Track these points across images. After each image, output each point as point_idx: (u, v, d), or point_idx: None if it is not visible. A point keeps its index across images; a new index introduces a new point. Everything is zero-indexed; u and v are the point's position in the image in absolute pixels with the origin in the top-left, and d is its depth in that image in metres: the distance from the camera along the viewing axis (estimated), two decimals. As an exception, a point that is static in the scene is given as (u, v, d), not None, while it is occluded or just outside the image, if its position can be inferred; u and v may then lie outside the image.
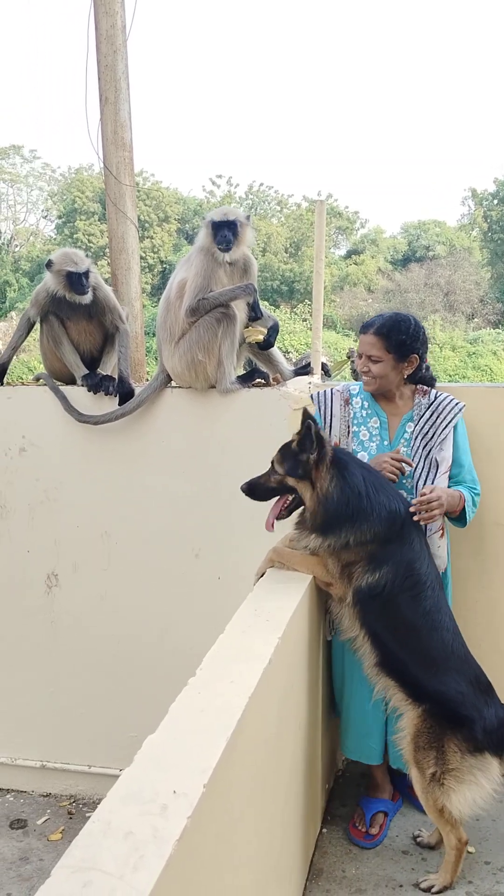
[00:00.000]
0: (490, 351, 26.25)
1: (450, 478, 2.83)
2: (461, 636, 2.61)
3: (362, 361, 2.86)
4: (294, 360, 4.26)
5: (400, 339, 2.79)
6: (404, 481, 2.82)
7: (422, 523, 2.62)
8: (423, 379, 2.97)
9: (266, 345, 3.58)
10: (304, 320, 27.26)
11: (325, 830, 3.06)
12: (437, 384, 3.05)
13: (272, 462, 2.62)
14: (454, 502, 2.72)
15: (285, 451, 2.58)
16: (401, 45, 74.52)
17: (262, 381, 3.57)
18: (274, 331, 3.60)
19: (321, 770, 3.04)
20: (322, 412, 3.01)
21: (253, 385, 3.52)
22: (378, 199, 67.55)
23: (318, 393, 3.06)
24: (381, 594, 2.49)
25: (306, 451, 2.49)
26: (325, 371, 3.87)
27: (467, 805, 2.47)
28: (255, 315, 3.53)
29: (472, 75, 74.10)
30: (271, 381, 3.58)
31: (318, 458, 2.49)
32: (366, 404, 2.94)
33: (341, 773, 3.49)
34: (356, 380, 5.12)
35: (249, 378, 3.54)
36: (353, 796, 3.27)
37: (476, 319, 31.59)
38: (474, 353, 25.96)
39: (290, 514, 2.67)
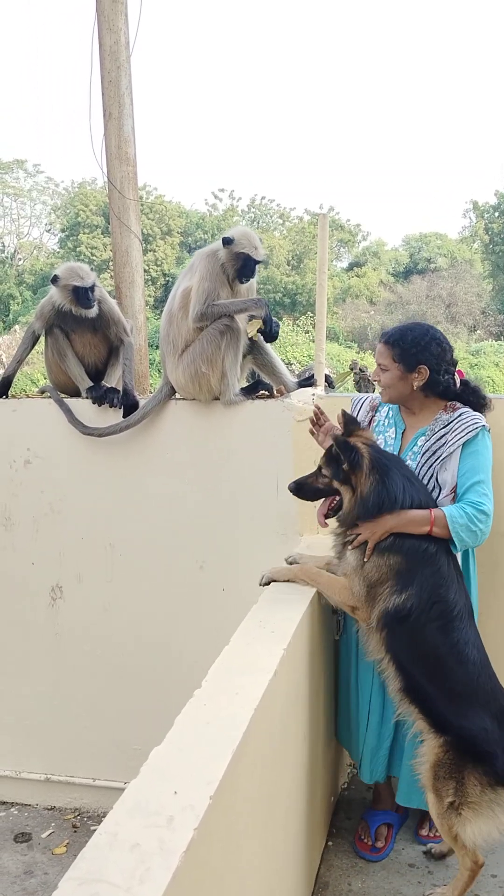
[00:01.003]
0: (492, 363, 26.29)
1: (456, 499, 2.68)
2: (490, 667, 2.55)
3: (375, 371, 2.84)
4: (297, 372, 4.27)
5: (405, 347, 2.72)
6: None
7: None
8: (451, 394, 2.79)
9: (271, 336, 3.53)
10: (307, 332, 27.34)
11: (330, 843, 3.04)
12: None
13: (319, 464, 2.67)
14: (410, 527, 2.50)
15: (329, 455, 2.62)
16: (402, 58, 75.07)
17: (266, 392, 3.57)
18: (270, 320, 3.48)
19: (326, 782, 3.02)
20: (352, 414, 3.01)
21: (256, 397, 3.53)
22: (379, 212, 67.90)
23: (355, 398, 3.08)
24: (408, 619, 2.46)
25: (341, 459, 2.52)
26: (329, 383, 3.87)
27: (482, 836, 2.44)
28: (269, 332, 3.48)
29: (474, 88, 74.60)
30: (275, 392, 3.59)
31: (352, 465, 2.51)
32: (391, 413, 2.91)
33: (346, 785, 3.47)
34: (359, 391, 5.13)
35: (253, 390, 3.55)
36: (358, 809, 3.25)
37: (478, 331, 31.66)
38: (476, 365, 25.99)
39: (336, 513, 2.66)
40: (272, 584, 2.74)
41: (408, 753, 2.77)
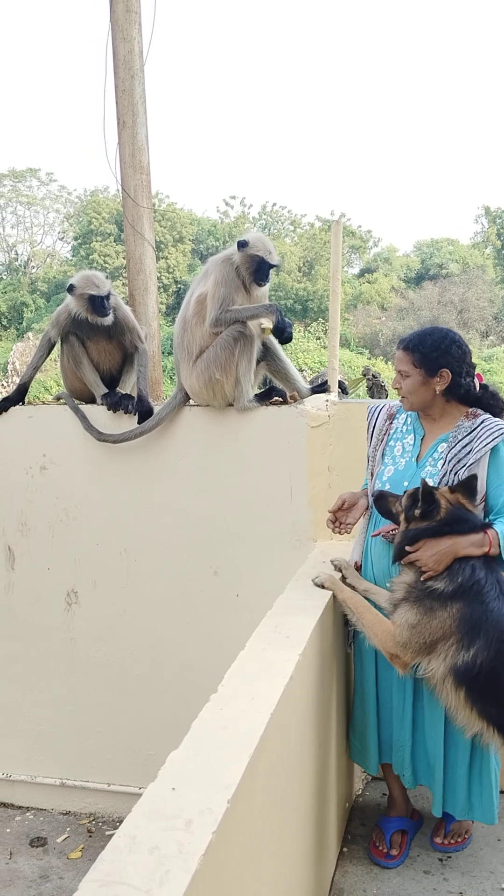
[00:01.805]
0: (505, 368, 26.21)
1: (488, 510, 2.67)
2: None
3: (396, 378, 2.79)
4: (309, 378, 4.27)
5: (425, 352, 2.69)
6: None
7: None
8: (472, 397, 2.78)
9: (285, 337, 3.48)
10: (318, 338, 27.37)
11: (345, 850, 3.04)
12: None
13: (402, 494, 2.65)
14: (471, 549, 2.51)
15: (412, 494, 2.57)
16: (413, 65, 75.20)
17: (280, 398, 3.58)
18: (284, 323, 3.45)
19: (341, 789, 3.02)
20: (369, 425, 2.99)
21: (270, 403, 3.54)
22: (391, 218, 67.91)
23: (372, 406, 3.03)
24: (481, 674, 2.40)
25: (418, 504, 2.53)
26: (343, 389, 3.88)
27: None
28: (283, 335, 3.46)
29: (485, 93, 74.50)
30: (288, 398, 3.60)
31: (424, 514, 2.52)
32: (409, 420, 2.88)
33: (361, 792, 3.47)
34: (372, 398, 5.12)
35: (267, 396, 3.56)
36: (373, 816, 3.24)
37: (490, 337, 31.59)
38: (489, 371, 25.92)
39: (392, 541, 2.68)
40: (287, 589, 2.76)
41: (442, 762, 2.77)
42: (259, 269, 3.45)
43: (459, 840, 3.01)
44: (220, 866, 1.44)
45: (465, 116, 72.36)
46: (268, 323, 3.47)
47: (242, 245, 3.46)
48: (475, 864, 2.93)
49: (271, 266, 3.49)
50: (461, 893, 2.76)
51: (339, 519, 2.89)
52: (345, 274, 34.55)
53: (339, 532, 2.91)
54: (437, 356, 2.68)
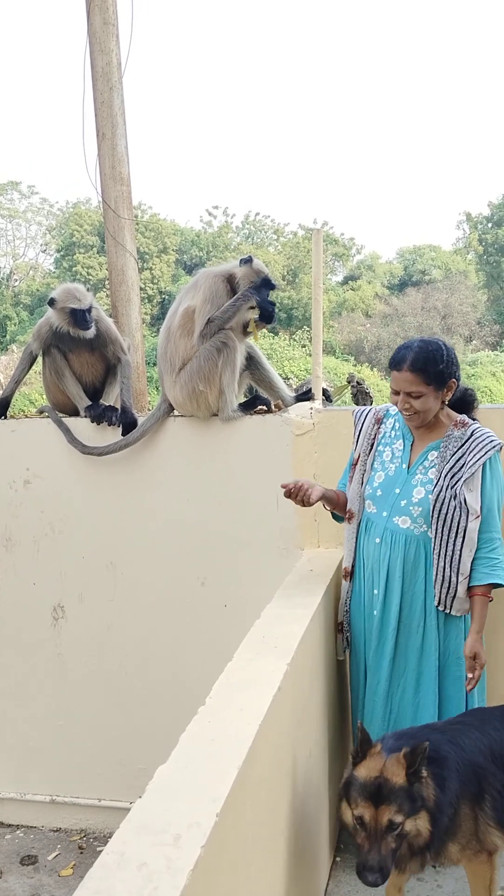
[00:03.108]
0: (489, 373, 26.33)
1: (483, 523, 2.72)
2: None
3: (401, 399, 2.73)
4: (294, 387, 4.28)
5: (438, 369, 2.68)
6: (425, 526, 2.75)
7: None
8: (461, 399, 2.88)
9: (269, 317, 3.46)
10: (304, 346, 27.39)
11: (338, 859, 3.02)
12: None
13: (382, 822, 2.10)
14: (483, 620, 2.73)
15: (396, 791, 2.11)
16: (394, 72, 75.74)
17: (264, 407, 3.59)
18: (266, 304, 3.43)
19: (333, 797, 3.01)
20: (355, 428, 2.99)
21: (255, 412, 3.54)
22: (373, 225, 68.34)
23: (357, 410, 3.05)
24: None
25: (415, 797, 2.12)
26: (327, 396, 3.88)
27: None
28: (267, 312, 3.44)
29: (466, 100, 75.22)
30: (273, 407, 3.60)
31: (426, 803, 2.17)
32: (397, 425, 2.90)
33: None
34: (357, 404, 5.13)
35: (251, 405, 3.57)
36: (365, 824, 3.23)
37: (474, 342, 31.76)
38: (473, 375, 26.02)
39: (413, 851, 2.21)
40: (274, 598, 2.75)
41: None
42: (263, 286, 3.46)
43: (452, 847, 3.00)
44: (210, 880, 1.43)
45: (445, 123, 72.98)
46: (253, 313, 3.47)
47: (246, 261, 3.49)
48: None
49: (272, 287, 3.51)
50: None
51: (298, 494, 2.86)
52: (328, 282, 34.73)
53: (302, 503, 2.88)
54: (443, 369, 2.70)
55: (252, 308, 3.46)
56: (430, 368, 2.68)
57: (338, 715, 3.10)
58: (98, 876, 1.30)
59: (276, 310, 3.55)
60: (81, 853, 3.70)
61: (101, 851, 1.37)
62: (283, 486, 2.89)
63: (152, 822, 1.44)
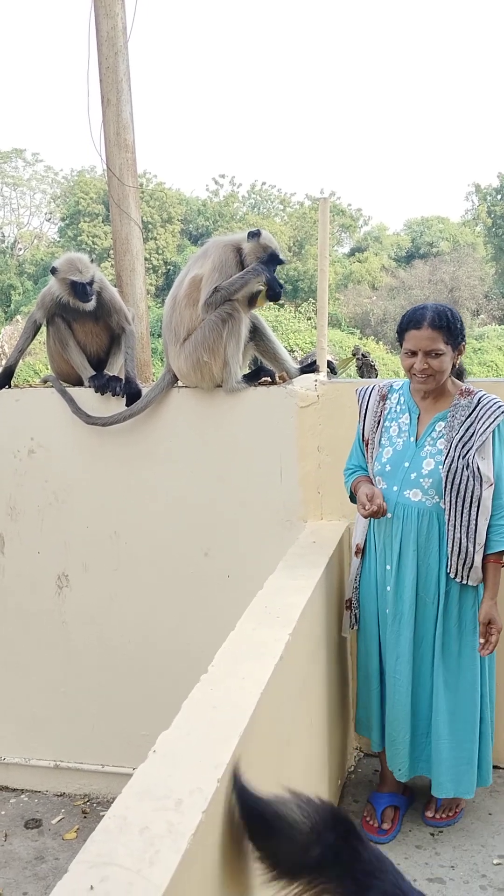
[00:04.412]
0: (495, 346, 26.25)
1: (498, 490, 2.71)
2: None
3: (419, 359, 2.68)
4: (300, 359, 4.26)
5: (457, 327, 2.70)
6: (438, 499, 2.74)
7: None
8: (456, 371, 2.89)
9: (275, 296, 3.46)
10: (309, 319, 27.28)
11: (338, 826, 3.06)
12: (472, 379, 3.01)
13: None
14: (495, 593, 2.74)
15: None
16: (402, 41, 74.47)
17: (269, 379, 3.57)
18: (273, 281, 3.41)
19: (333, 766, 3.05)
20: (360, 407, 2.98)
21: (259, 384, 3.52)
22: (381, 197, 67.63)
23: (360, 389, 3.02)
24: None
25: None
26: (332, 369, 3.86)
27: None
28: (274, 292, 3.42)
29: (475, 71, 74.01)
30: (277, 379, 3.59)
31: None
32: (402, 400, 2.88)
33: (353, 769, 3.50)
34: (361, 377, 5.10)
35: (255, 377, 3.55)
36: (365, 792, 3.27)
37: (481, 315, 31.57)
38: (480, 349, 25.93)
39: None
40: (277, 569, 2.76)
41: (437, 746, 2.82)
42: (270, 261, 3.42)
43: (451, 815, 3.05)
44: (211, 845, 1.45)
45: (455, 94, 71.96)
46: (261, 286, 3.45)
47: (254, 235, 3.44)
48: (466, 838, 2.96)
49: (280, 262, 3.48)
50: (453, 867, 2.80)
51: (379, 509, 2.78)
52: (335, 253, 34.39)
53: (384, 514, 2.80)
54: (460, 329, 2.73)
55: (260, 283, 3.43)
56: (450, 326, 2.68)
57: (338, 685, 3.13)
58: (100, 839, 1.32)
59: (282, 290, 3.52)
60: (85, 817, 3.76)
61: (104, 816, 1.39)
62: (367, 515, 2.79)
63: (154, 788, 1.46)
